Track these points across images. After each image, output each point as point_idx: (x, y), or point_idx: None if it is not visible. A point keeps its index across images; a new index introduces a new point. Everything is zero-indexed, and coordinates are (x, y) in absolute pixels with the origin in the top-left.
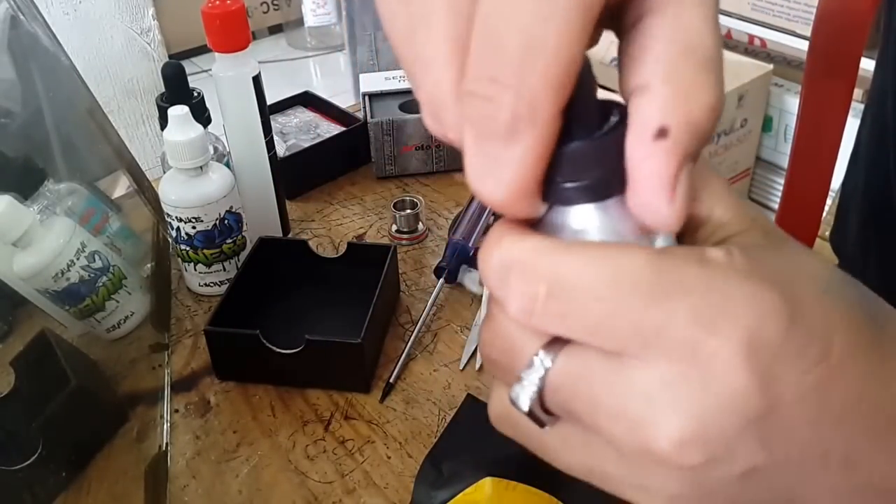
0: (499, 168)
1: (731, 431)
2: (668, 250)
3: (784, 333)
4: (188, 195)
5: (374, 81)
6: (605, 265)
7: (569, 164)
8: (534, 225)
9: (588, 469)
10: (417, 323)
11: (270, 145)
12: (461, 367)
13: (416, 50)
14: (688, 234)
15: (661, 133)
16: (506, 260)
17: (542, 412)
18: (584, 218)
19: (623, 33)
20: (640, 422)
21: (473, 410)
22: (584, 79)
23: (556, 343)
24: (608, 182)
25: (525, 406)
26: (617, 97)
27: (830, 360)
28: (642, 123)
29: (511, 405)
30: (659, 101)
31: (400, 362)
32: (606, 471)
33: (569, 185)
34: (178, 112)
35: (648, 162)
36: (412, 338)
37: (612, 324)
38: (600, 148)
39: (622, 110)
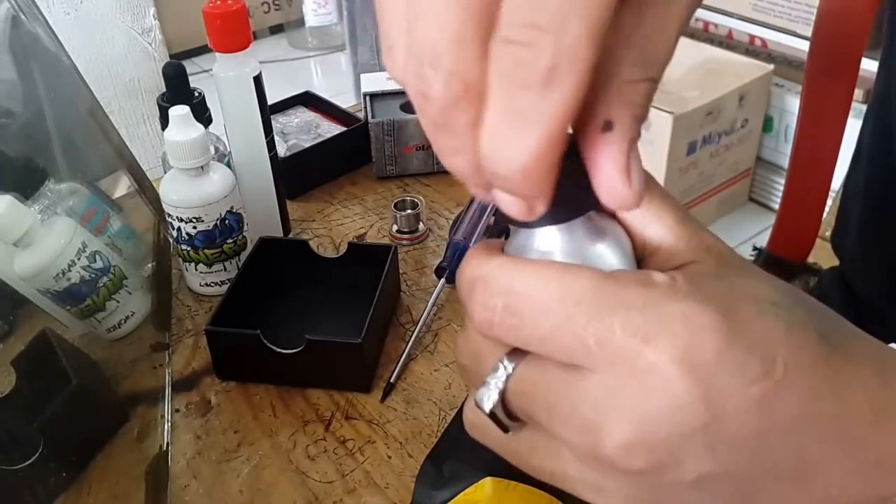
0: (528, 124)
1: (675, 439)
2: (616, 273)
3: (721, 349)
4: (189, 195)
5: (375, 81)
6: (555, 282)
7: None
8: (505, 248)
9: (550, 472)
10: (418, 323)
11: (271, 145)
12: None
13: (409, 1)
14: (643, 261)
15: (607, 126)
16: (472, 276)
17: (506, 416)
18: (547, 240)
19: None
20: (588, 427)
21: None
22: None
23: (519, 351)
24: (567, 206)
25: (487, 408)
26: None
27: (774, 376)
28: (589, 119)
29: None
30: (601, 99)
31: (400, 362)
32: (567, 473)
33: None
34: (179, 112)
35: (602, 151)
36: (413, 338)
37: (558, 336)
38: (559, 175)
39: (572, 140)
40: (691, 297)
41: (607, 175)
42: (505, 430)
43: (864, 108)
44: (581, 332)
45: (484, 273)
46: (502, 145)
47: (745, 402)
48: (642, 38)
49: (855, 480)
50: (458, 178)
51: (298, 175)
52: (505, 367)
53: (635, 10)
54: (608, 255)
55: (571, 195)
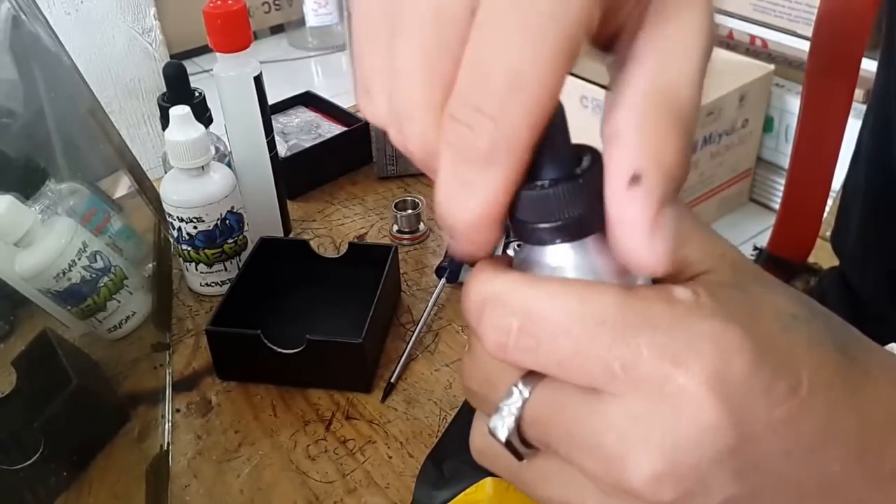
0: (469, 192)
1: (704, 465)
2: (637, 289)
3: (750, 370)
4: (189, 195)
5: None
6: (575, 301)
7: (544, 205)
8: (513, 264)
9: (565, 502)
10: (418, 323)
11: (272, 145)
12: None
13: (389, 56)
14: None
15: (635, 179)
16: (482, 295)
17: (521, 444)
18: (559, 257)
19: (610, 80)
20: (613, 457)
21: (474, 411)
22: (558, 124)
23: (534, 374)
24: (582, 223)
25: (503, 436)
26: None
27: (800, 394)
28: (616, 170)
29: (490, 437)
30: (630, 149)
31: (401, 362)
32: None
33: (544, 225)
34: (180, 112)
35: (625, 208)
36: (413, 338)
37: (580, 358)
38: (574, 190)
39: (595, 154)
40: (717, 316)
41: (626, 232)
42: (520, 458)
43: (864, 108)
44: (605, 354)
45: (496, 292)
46: (449, 204)
47: (772, 423)
48: (665, 83)
49: (872, 493)
50: None
51: (299, 175)
52: (520, 392)
53: (651, 51)
54: (624, 269)
55: (586, 210)
